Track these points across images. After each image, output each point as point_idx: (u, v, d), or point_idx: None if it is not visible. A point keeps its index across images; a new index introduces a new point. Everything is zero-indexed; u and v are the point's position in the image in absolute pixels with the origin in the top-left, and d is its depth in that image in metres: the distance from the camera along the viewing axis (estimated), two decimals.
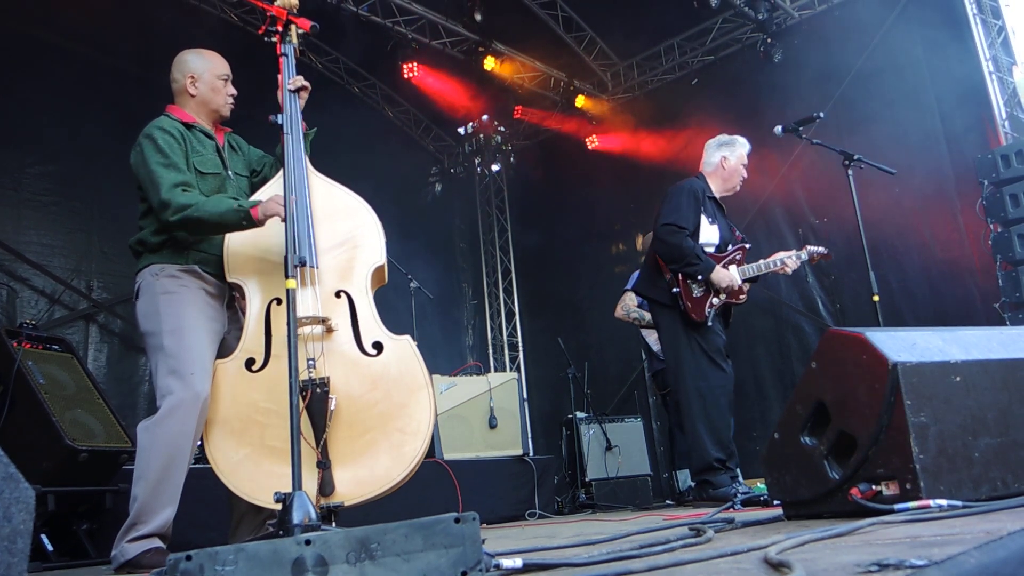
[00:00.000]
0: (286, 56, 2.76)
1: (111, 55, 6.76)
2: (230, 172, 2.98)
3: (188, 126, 2.92)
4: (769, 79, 7.47)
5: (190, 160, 2.84)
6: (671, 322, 4.38)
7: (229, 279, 2.82)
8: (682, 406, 4.34)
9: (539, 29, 8.29)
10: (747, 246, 4.56)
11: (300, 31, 3.01)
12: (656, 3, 7.72)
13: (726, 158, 4.58)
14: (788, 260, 4.46)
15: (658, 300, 4.46)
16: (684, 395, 4.29)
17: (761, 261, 4.48)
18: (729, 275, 4.31)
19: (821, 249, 4.58)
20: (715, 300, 4.32)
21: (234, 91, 3.03)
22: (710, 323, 4.31)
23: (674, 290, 4.30)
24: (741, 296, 4.41)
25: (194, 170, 2.84)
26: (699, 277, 4.26)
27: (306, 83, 2.90)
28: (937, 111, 6.54)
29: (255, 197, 2.88)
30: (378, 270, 2.85)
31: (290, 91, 2.81)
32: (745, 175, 4.62)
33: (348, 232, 2.85)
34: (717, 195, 4.58)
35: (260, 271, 2.80)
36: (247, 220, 2.68)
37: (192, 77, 2.97)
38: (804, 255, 4.53)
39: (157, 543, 2.61)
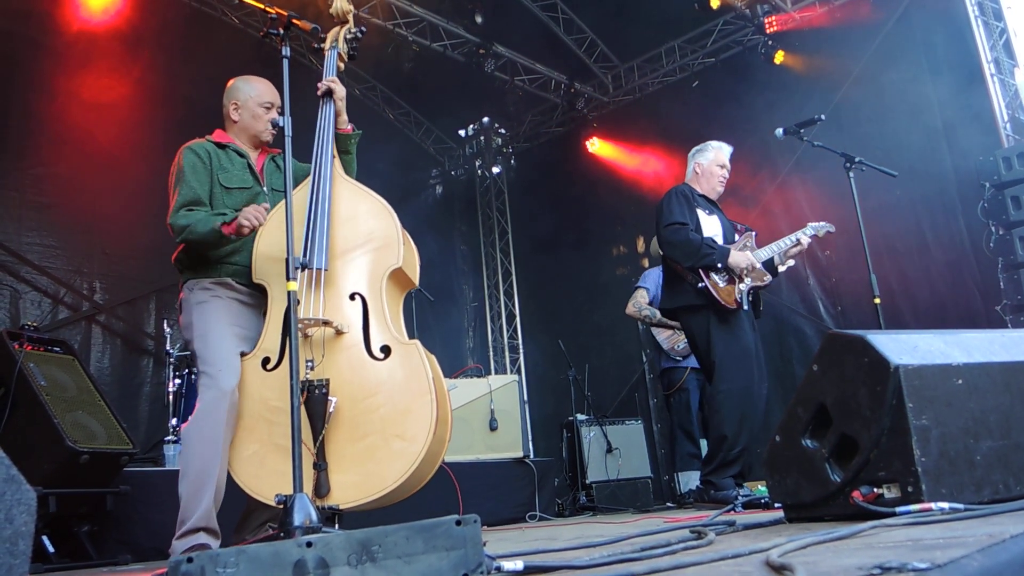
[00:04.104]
0: (285, 58, 2.77)
1: (114, 58, 6.76)
2: (266, 188, 3.09)
3: (221, 146, 3.06)
4: (770, 81, 7.47)
5: (215, 176, 2.97)
6: (702, 324, 4.33)
7: (254, 279, 2.90)
8: (713, 406, 4.31)
9: (540, 31, 8.29)
10: (754, 233, 4.58)
11: (347, 35, 3.11)
12: (657, 5, 7.72)
13: (699, 163, 4.69)
14: (801, 236, 4.54)
15: (686, 306, 4.42)
16: (715, 397, 4.27)
17: (773, 244, 4.51)
18: (746, 256, 4.34)
19: (824, 224, 4.64)
20: (742, 286, 4.33)
21: (276, 117, 3.06)
22: (746, 308, 4.32)
23: (700, 285, 4.26)
24: (765, 278, 4.44)
25: (219, 186, 2.97)
26: (719, 264, 4.27)
27: (332, 86, 3.05)
28: (938, 113, 6.53)
29: (274, 210, 2.97)
30: (396, 273, 2.85)
31: (318, 95, 3.04)
32: (725, 174, 4.67)
33: (367, 235, 2.86)
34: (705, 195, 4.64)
35: (281, 273, 2.82)
36: (223, 238, 2.82)
37: (235, 104, 3.13)
38: (810, 231, 4.59)
39: (202, 539, 2.67)
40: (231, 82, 3.18)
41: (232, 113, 3.12)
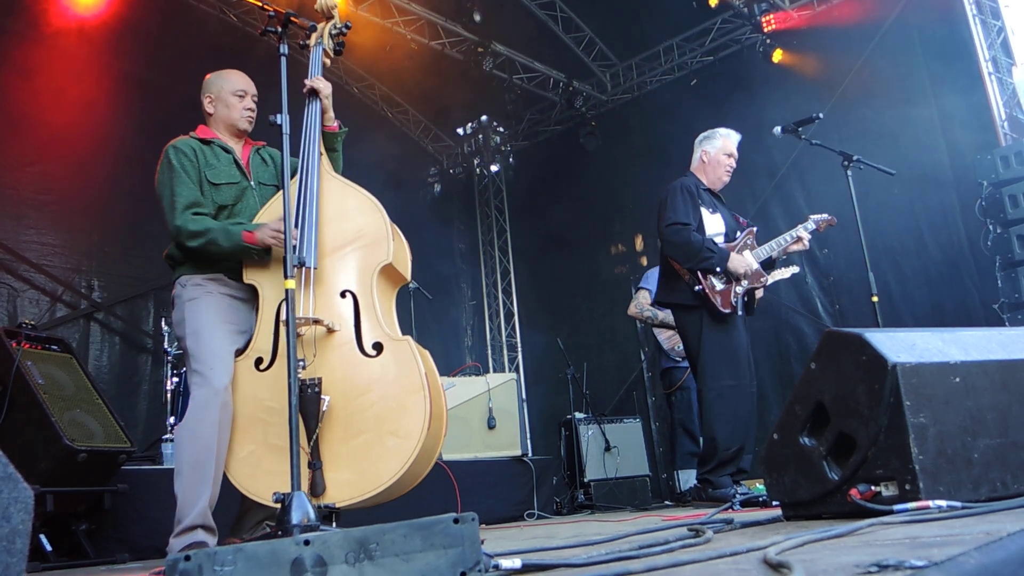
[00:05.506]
0: (284, 56, 2.77)
1: (113, 56, 6.75)
2: (253, 182, 3.08)
3: (206, 142, 3.05)
4: (768, 80, 7.47)
5: (203, 173, 2.95)
6: (694, 323, 4.32)
7: (245, 280, 2.89)
8: (703, 406, 4.31)
9: (538, 29, 8.29)
10: (754, 229, 4.54)
11: (332, 31, 3.11)
12: (655, 4, 7.72)
13: (705, 151, 4.62)
14: (800, 232, 4.50)
15: (681, 303, 4.41)
16: (706, 396, 4.27)
17: (773, 240, 4.49)
18: (745, 260, 4.31)
19: (825, 216, 4.60)
20: (738, 289, 4.31)
21: (251, 105, 3.14)
22: (740, 312, 4.30)
23: (696, 288, 4.23)
24: (762, 279, 4.41)
25: (208, 182, 2.95)
26: (717, 269, 4.25)
27: (318, 85, 3.06)
28: (936, 112, 6.54)
29: (265, 207, 2.98)
30: (387, 269, 2.85)
31: (304, 93, 3.04)
32: (731, 164, 4.60)
33: (356, 232, 2.85)
34: (710, 188, 4.60)
35: (272, 272, 2.84)
36: (248, 249, 2.81)
37: (210, 97, 3.14)
38: (811, 224, 4.55)
39: (200, 536, 2.67)
40: (206, 78, 3.19)
41: (208, 107, 3.14)
